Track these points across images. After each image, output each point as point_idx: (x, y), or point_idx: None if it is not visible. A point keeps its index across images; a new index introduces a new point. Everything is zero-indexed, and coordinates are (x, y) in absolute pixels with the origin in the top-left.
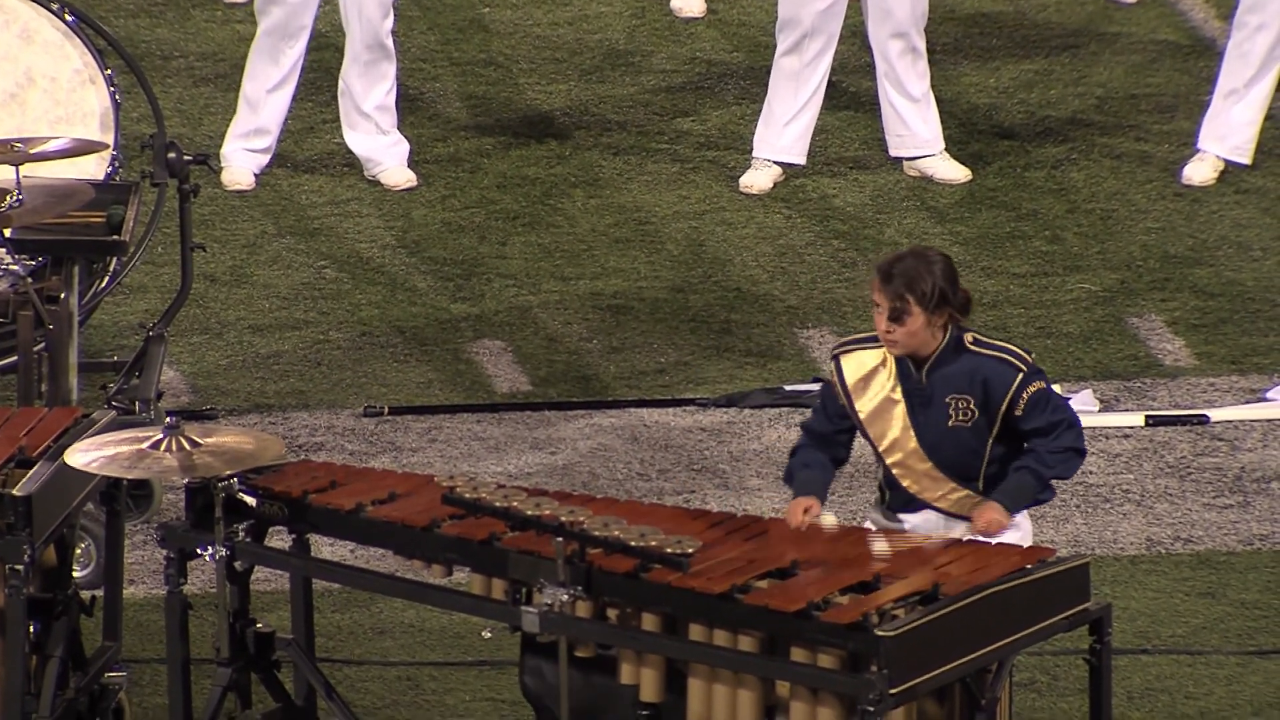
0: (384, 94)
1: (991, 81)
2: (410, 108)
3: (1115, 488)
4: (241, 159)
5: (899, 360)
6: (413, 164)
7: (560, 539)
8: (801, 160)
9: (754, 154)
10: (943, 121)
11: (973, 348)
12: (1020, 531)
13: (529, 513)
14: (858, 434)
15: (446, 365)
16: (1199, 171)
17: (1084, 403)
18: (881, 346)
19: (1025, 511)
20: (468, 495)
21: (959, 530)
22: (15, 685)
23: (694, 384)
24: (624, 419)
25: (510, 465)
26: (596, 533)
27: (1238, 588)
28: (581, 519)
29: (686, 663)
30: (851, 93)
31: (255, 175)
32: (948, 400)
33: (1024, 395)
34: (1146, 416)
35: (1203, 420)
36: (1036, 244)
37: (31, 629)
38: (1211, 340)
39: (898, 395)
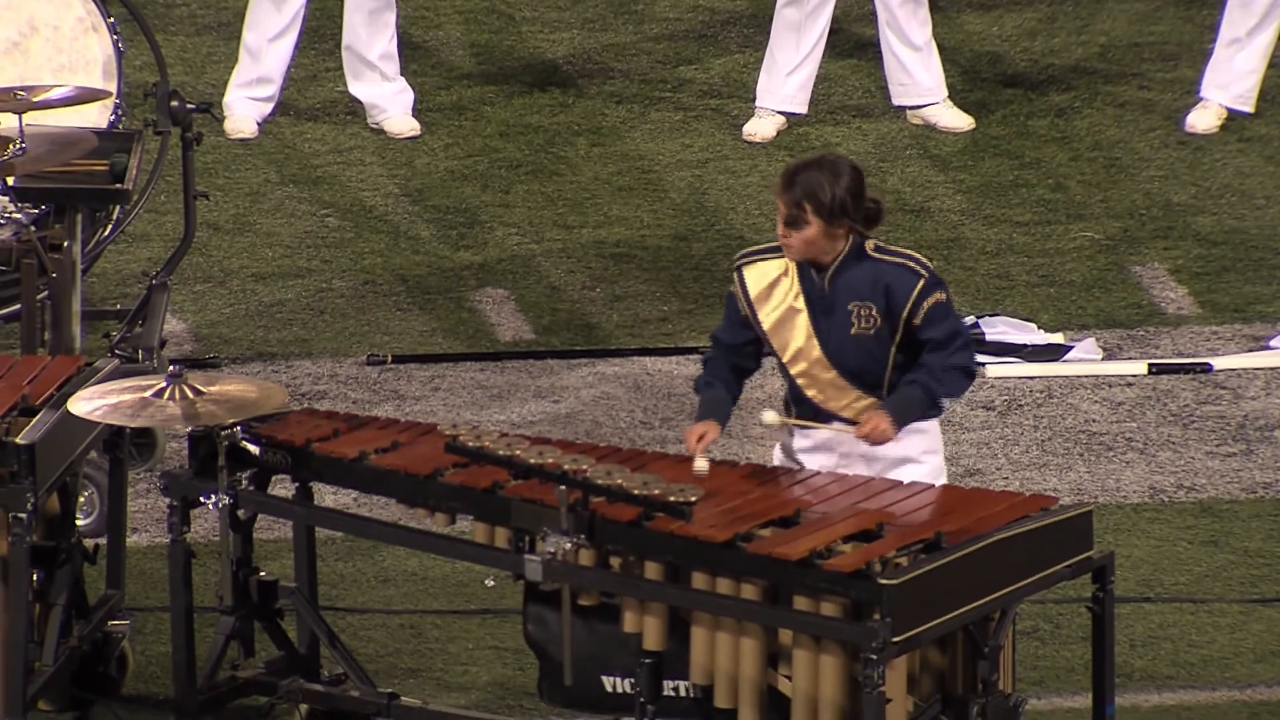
0: (387, 41)
1: (995, 29)
2: (413, 56)
3: (1118, 436)
4: (244, 107)
5: (801, 268)
6: (416, 112)
7: (563, 487)
8: (803, 109)
9: (757, 103)
10: (946, 70)
11: (874, 254)
12: (929, 436)
13: (532, 461)
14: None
15: (449, 314)
16: (1202, 119)
17: (1087, 351)
18: (785, 256)
19: (936, 420)
20: (471, 444)
21: (847, 443)
22: (19, 633)
23: (697, 332)
24: (627, 367)
25: (513, 414)
26: (599, 481)
27: (1240, 536)
28: (584, 467)
29: (689, 611)
30: (854, 41)
31: (258, 124)
32: (850, 307)
33: (924, 304)
34: (1149, 365)
35: (1206, 368)
36: (1039, 192)
37: (35, 577)
38: (1214, 288)
39: (800, 304)
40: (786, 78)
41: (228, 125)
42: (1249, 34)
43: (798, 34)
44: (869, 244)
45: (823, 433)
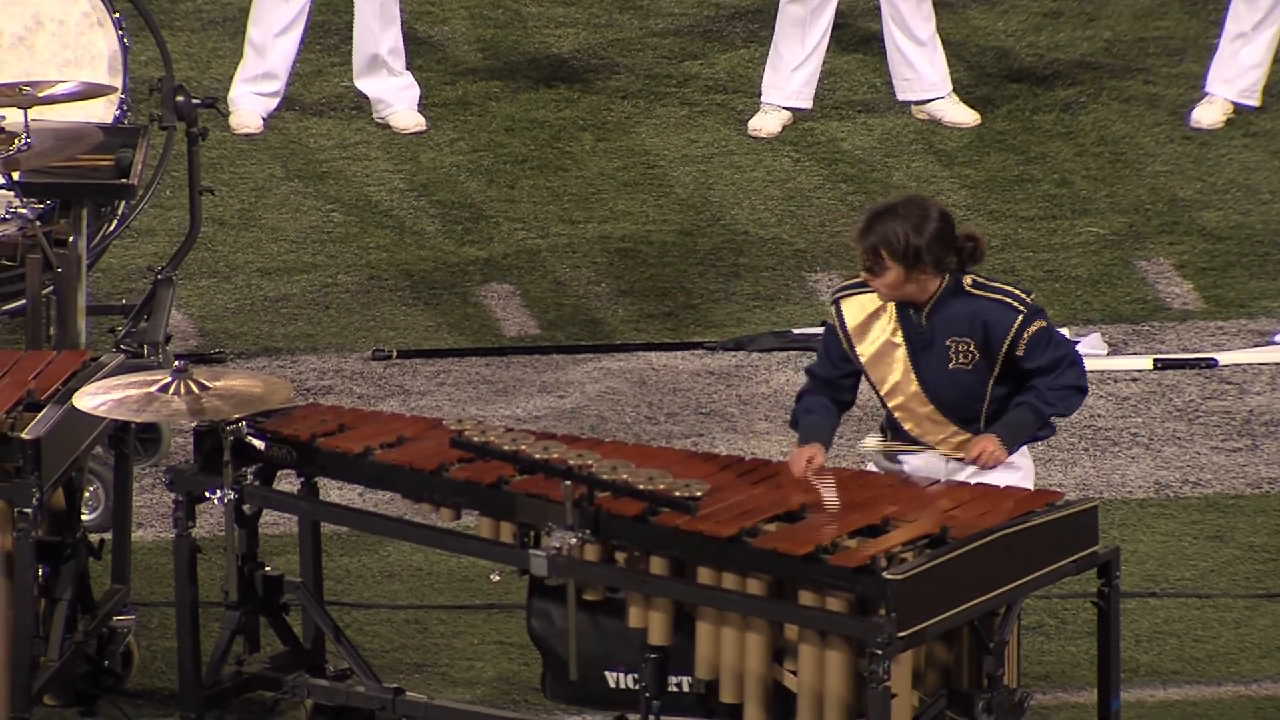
0: (394, 36)
1: (1000, 24)
2: (418, 51)
3: (1123, 431)
4: (250, 102)
5: (898, 303)
6: (421, 107)
7: (568, 482)
8: (809, 105)
9: (762, 98)
10: (951, 65)
11: (972, 290)
12: (1021, 472)
13: (537, 456)
14: (863, 377)
15: (454, 309)
16: (1207, 114)
17: (1092, 346)
18: None
19: (1027, 452)
20: (476, 439)
21: (965, 473)
22: (24, 628)
23: (702, 327)
24: (632, 362)
25: (518, 409)
26: (604, 476)
27: (1246, 531)
28: (589, 462)
29: (695, 606)
30: (859, 35)
31: (263, 119)
32: (948, 343)
33: (1025, 335)
34: (1155, 360)
35: (1211, 364)
36: (1045, 187)
37: (40, 572)
38: (1220, 284)
39: (898, 339)
40: (792, 73)
41: (233, 120)
42: (1254, 28)
43: (802, 29)
44: (966, 279)
45: (917, 461)
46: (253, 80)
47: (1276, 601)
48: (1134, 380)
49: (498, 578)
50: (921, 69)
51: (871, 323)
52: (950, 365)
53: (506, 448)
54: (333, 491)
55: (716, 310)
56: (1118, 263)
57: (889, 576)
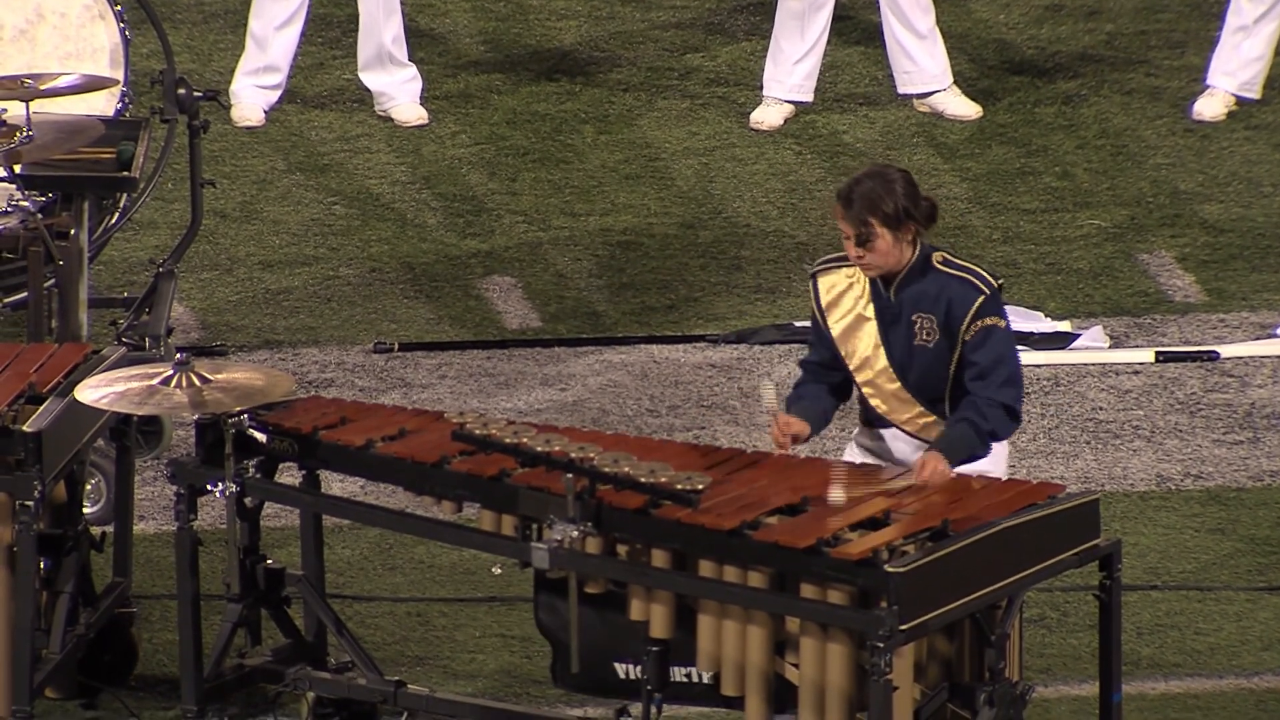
0: (396, 25)
1: (1002, 17)
2: (420, 43)
3: (1125, 424)
4: (251, 95)
5: (872, 279)
6: (423, 100)
7: (570, 475)
8: (810, 98)
9: (764, 91)
10: (953, 57)
11: (940, 267)
12: (994, 456)
13: (539, 449)
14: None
15: (456, 301)
16: (1209, 107)
17: (1094, 339)
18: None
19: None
20: (477, 432)
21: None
22: (25, 621)
23: (704, 320)
24: (634, 355)
25: (520, 402)
26: (606, 469)
27: (1248, 524)
28: (591, 455)
29: (696, 599)
30: (862, 28)
31: (265, 111)
32: (914, 319)
33: (979, 322)
34: (1156, 353)
35: (1213, 356)
36: (1046, 180)
37: (42, 565)
38: (1221, 276)
39: (869, 313)
40: (793, 66)
41: (235, 113)
42: (1256, 21)
43: (801, 23)
44: (936, 256)
45: (885, 435)
46: (254, 73)
47: (1278, 594)
48: (1135, 373)
49: (500, 570)
50: (921, 61)
51: (843, 296)
52: (915, 341)
53: (508, 440)
54: (334, 484)
55: (718, 303)
56: (1119, 255)
57: (891, 569)
